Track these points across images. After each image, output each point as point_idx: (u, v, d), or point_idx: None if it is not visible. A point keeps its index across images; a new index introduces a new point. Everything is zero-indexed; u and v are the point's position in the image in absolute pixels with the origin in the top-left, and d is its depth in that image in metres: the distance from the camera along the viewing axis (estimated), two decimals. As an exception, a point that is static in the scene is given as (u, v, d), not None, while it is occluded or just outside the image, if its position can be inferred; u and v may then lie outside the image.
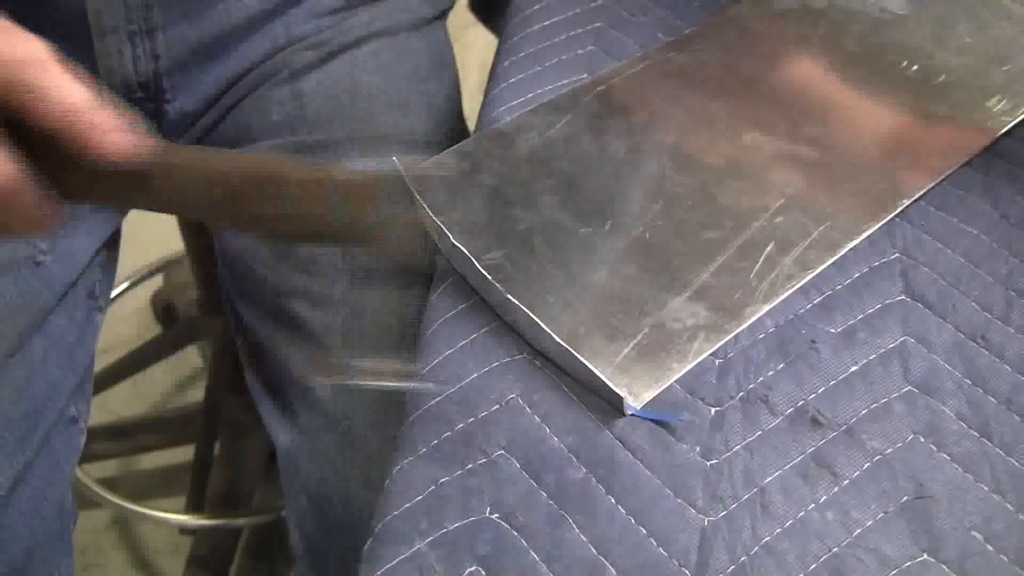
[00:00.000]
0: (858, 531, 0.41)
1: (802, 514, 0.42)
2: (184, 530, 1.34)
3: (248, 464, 1.41)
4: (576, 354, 0.46)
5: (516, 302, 0.48)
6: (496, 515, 0.42)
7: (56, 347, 0.72)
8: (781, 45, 0.66)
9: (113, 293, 1.56)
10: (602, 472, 0.43)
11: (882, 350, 0.48)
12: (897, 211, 0.54)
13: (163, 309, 1.68)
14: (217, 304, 1.33)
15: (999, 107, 0.60)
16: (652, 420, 0.45)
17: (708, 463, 0.44)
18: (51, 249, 0.71)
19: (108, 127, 0.42)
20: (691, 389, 0.47)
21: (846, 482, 0.43)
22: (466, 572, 0.40)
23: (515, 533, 0.41)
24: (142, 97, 0.75)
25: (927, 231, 0.54)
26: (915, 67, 0.64)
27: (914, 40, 0.66)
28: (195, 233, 1.20)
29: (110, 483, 1.41)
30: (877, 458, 0.44)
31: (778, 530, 0.41)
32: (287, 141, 0.73)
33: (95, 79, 0.68)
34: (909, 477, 0.43)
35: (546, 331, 0.47)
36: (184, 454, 1.41)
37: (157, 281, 1.70)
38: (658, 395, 0.46)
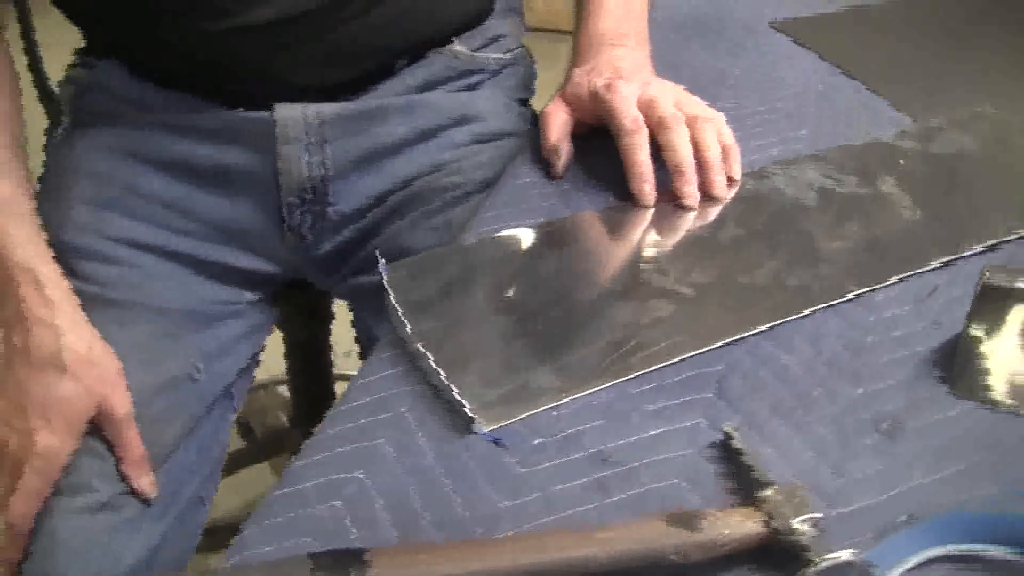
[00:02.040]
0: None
1: (571, 511, 0.59)
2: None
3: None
4: (452, 387, 0.65)
5: (422, 348, 0.68)
6: (363, 475, 0.61)
7: (197, 440, 0.90)
8: (701, 215, 0.85)
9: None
10: (445, 463, 0.62)
11: (679, 425, 0.65)
12: (732, 339, 0.72)
13: (242, 427, 1.87)
14: (305, 419, 1.55)
15: (852, 277, 0.78)
16: (491, 439, 0.64)
17: (520, 470, 0.62)
18: (206, 368, 0.89)
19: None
20: (530, 426, 0.65)
21: (614, 499, 0.60)
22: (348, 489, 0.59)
23: (370, 485, 0.60)
24: (311, 199, 0.96)
25: (751, 354, 0.71)
26: (803, 245, 0.82)
27: (811, 226, 0.84)
28: (297, 356, 1.42)
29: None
30: (644, 489, 0.61)
31: (552, 517, 0.59)
32: None
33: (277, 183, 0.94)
34: (664, 500, 0.60)
35: (436, 369, 0.66)
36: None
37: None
38: (506, 425, 0.65)
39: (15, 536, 0.74)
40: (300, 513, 0.58)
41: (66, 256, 0.85)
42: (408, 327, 0.70)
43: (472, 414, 0.64)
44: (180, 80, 0.94)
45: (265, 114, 0.92)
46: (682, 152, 0.84)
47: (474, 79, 1.03)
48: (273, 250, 0.99)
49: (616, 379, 0.68)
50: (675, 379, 0.69)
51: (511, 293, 0.75)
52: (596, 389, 0.68)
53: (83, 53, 1.00)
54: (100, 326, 0.80)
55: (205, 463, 0.91)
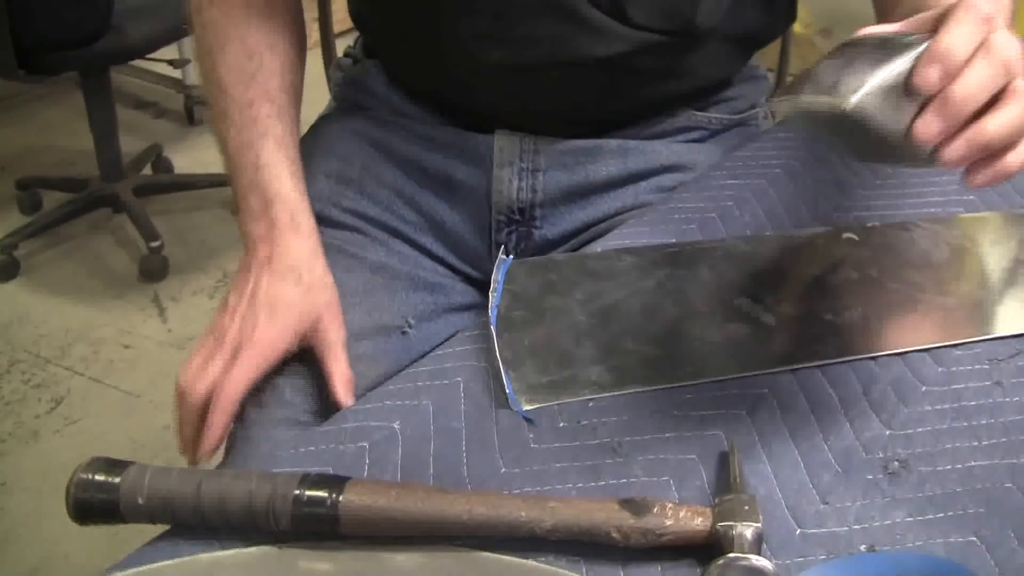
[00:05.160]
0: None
1: (559, 487, 0.67)
2: None
3: None
4: (500, 364, 0.75)
5: (492, 330, 0.78)
6: (397, 425, 0.72)
7: None
8: (824, 255, 0.89)
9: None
10: (471, 429, 0.72)
11: (695, 433, 0.71)
12: (786, 368, 0.76)
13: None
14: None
15: (936, 330, 0.80)
16: (523, 415, 0.73)
17: (533, 446, 0.70)
18: (416, 325, 0.99)
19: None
20: (563, 412, 0.73)
21: (601, 483, 0.68)
22: (379, 435, 0.71)
23: (399, 435, 0.71)
24: (518, 220, 1.04)
25: (801, 383, 0.75)
26: (906, 296, 0.84)
27: (924, 279, 0.85)
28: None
29: None
30: (634, 480, 0.68)
31: (539, 488, 0.67)
32: None
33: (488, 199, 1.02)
34: (646, 493, 0.66)
35: (496, 349, 0.76)
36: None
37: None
38: (542, 407, 0.73)
39: (218, 412, 0.82)
40: (331, 447, 0.70)
41: None
42: (493, 313, 0.80)
43: (510, 392, 0.73)
44: (424, 96, 1.06)
45: (488, 136, 1.02)
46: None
47: (694, 135, 1.08)
48: (481, 260, 1.07)
49: (661, 385, 0.75)
50: (716, 394, 0.75)
51: (603, 300, 0.83)
52: (638, 390, 0.74)
53: (356, 45, 1.16)
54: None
55: None
